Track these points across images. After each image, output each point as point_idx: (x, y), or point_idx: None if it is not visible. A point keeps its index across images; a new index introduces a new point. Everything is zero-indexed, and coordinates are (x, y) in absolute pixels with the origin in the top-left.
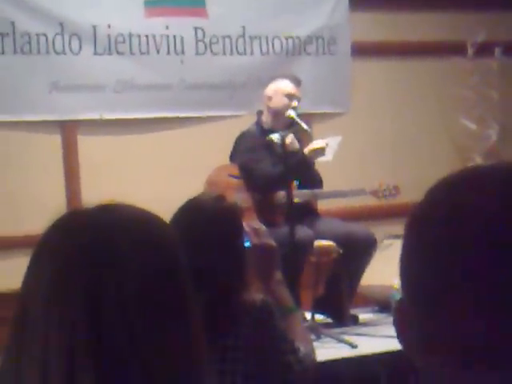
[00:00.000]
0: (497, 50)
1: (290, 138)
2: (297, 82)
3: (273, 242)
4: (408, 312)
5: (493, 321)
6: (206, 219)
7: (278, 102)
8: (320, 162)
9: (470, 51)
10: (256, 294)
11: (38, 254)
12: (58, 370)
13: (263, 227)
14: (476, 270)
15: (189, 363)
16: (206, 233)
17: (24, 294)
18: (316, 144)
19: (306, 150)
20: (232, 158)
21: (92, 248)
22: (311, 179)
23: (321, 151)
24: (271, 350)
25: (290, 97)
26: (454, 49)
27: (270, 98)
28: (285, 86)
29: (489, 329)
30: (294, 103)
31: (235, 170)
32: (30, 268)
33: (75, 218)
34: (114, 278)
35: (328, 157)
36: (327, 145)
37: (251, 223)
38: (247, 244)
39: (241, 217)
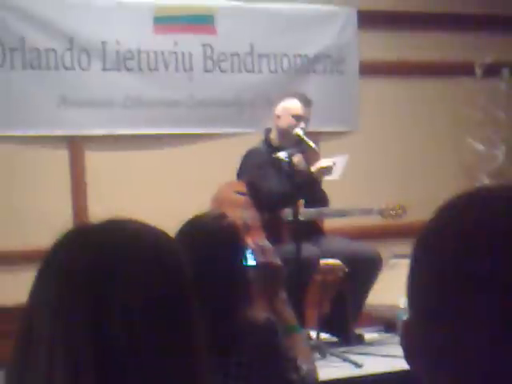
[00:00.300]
0: (504, 71)
1: (298, 157)
2: (306, 102)
3: (279, 261)
4: (415, 331)
5: (497, 339)
6: (205, 238)
7: (286, 122)
8: (327, 181)
9: (478, 72)
10: (260, 312)
11: (43, 270)
12: (64, 374)
13: (270, 246)
14: (484, 298)
15: (192, 380)
16: (205, 251)
17: (29, 309)
18: (323, 163)
19: (313, 169)
20: (239, 175)
21: (97, 265)
22: (318, 198)
23: (328, 170)
24: (274, 367)
25: (298, 118)
26: (462, 69)
27: (278, 117)
28: (293, 106)
29: (493, 346)
30: (301, 124)
31: (242, 187)
32: (35, 284)
33: (81, 234)
34: (119, 297)
35: (335, 176)
36: (334, 164)
37: (258, 241)
38: (253, 262)
39: (241, 235)
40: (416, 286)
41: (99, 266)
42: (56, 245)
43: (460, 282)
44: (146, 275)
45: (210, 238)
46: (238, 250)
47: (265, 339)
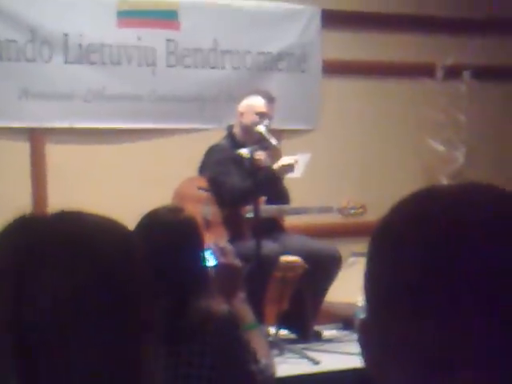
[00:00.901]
0: (465, 74)
1: (260, 155)
2: (270, 99)
3: (239, 262)
4: (371, 329)
5: (455, 332)
6: (163, 230)
7: (249, 119)
8: (289, 179)
9: (439, 73)
10: (221, 305)
11: None
12: None
13: (229, 247)
14: (434, 279)
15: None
16: (163, 243)
17: None
18: (285, 161)
19: (275, 166)
20: (201, 170)
21: (22, 249)
22: (279, 195)
23: (290, 168)
24: (235, 358)
25: (262, 115)
26: (423, 70)
27: (241, 114)
28: (257, 103)
29: (451, 340)
30: (264, 121)
31: (204, 183)
32: None
33: (17, 223)
34: (44, 283)
35: (297, 173)
36: (296, 161)
37: (218, 242)
38: (213, 262)
39: (199, 228)
40: (371, 283)
41: (24, 250)
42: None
43: (414, 279)
44: (77, 261)
45: (167, 230)
46: (196, 241)
47: (226, 330)
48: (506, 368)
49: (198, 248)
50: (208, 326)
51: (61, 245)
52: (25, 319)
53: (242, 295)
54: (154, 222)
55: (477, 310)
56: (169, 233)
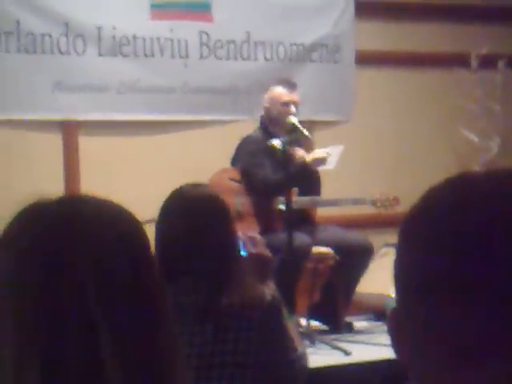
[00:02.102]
0: (500, 63)
1: (298, 150)
2: (291, 86)
3: (268, 252)
4: (401, 318)
5: (483, 320)
6: (194, 207)
7: (276, 111)
8: (321, 171)
9: (474, 63)
10: (266, 289)
11: None
12: (9, 356)
13: (259, 237)
14: (468, 270)
15: (158, 357)
16: (193, 219)
17: None
18: (318, 153)
19: (308, 159)
20: (233, 162)
21: (48, 238)
22: (311, 187)
23: (322, 160)
24: (278, 345)
25: (287, 104)
26: (457, 60)
27: (268, 109)
28: (280, 93)
29: (479, 328)
30: (292, 109)
31: (236, 174)
32: None
33: (34, 209)
34: (72, 272)
35: (330, 166)
36: (329, 154)
37: (248, 232)
38: (243, 253)
39: (223, 202)
40: (402, 272)
41: (51, 241)
42: (10, 222)
43: (446, 268)
44: (102, 251)
45: (195, 204)
46: (225, 215)
47: (272, 316)
48: None
49: (228, 222)
50: (254, 311)
51: (79, 232)
52: (55, 307)
53: (271, 285)
54: (181, 199)
55: (499, 308)
56: (197, 207)
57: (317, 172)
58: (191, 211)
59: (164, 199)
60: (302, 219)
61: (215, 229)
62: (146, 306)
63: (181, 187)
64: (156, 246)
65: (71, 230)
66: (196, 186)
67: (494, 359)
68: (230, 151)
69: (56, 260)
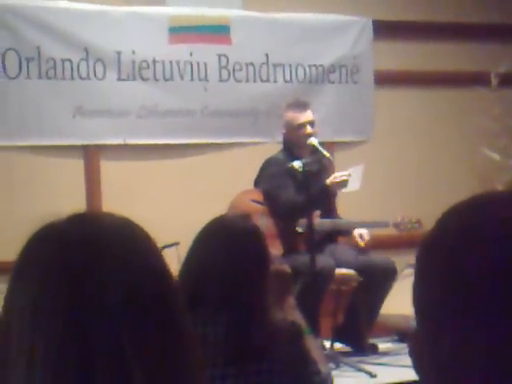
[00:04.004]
0: None
1: (329, 178)
2: (303, 107)
3: (286, 268)
4: (422, 341)
5: (499, 349)
6: (236, 238)
7: (293, 135)
8: (346, 192)
9: (494, 82)
10: (281, 316)
11: (16, 272)
12: (43, 374)
13: (276, 253)
14: (483, 298)
15: (181, 373)
16: (237, 250)
17: (7, 308)
18: (338, 177)
19: (328, 181)
20: (257, 183)
21: (72, 261)
22: (332, 210)
23: (343, 183)
24: (299, 372)
25: (302, 125)
26: (477, 79)
27: (285, 134)
28: (292, 117)
29: (492, 355)
30: (308, 129)
31: (258, 196)
32: (11, 283)
33: (53, 230)
34: (96, 289)
35: (355, 186)
36: (350, 175)
37: None
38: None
39: (264, 237)
40: (419, 297)
41: (75, 262)
42: (27, 243)
43: (462, 296)
44: (124, 270)
45: (243, 236)
46: (264, 253)
47: (293, 344)
48: None
49: (265, 258)
50: (275, 343)
51: (100, 249)
52: (83, 330)
53: (292, 301)
54: (226, 228)
55: None
56: (245, 239)
57: (336, 195)
58: (232, 241)
59: (187, 221)
60: (325, 241)
61: (253, 265)
62: (169, 327)
63: (223, 216)
64: (184, 270)
65: (87, 247)
66: (240, 216)
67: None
68: (250, 173)
69: (82, 282)
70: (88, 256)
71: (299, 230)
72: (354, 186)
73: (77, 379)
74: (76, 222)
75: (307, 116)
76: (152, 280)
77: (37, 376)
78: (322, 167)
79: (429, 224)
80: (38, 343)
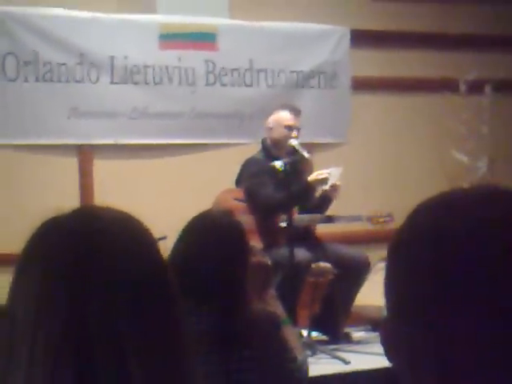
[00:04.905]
0: (487, 88)
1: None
2: (296, 112)
3: (267, 260)
4: (392, 330)
5: (470, 337)
6: (219, 233)
7: (279, 133)
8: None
9: (462, 88)
10: (262, 306)
11: (20, 264)
12: (43, 370)
13: (257, 246)
14: (453, 290)
15: (177, 368)
16: (220, 244)
17: (11, 303)
18: (319, 174)
19: (309, 179)
20: (238, 182)
21: (73, 253)
22: (314, 205)
23: (324, 181)
24: (277, 359)
25: (290, 128)
26: (446, 85)
27: (270, 129)
28: (284, 117)
29: (468, 342)
30: (294, 134)
31: (240, 194)
32: (14, 277)
33: (53, 225)
34: (97, 280)
35: (328, 187)
36: (330, 174)
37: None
38: None
39: (245, 232)
40: (391, 287)
41: (76, 255)
42: (31, 238)
43: (432, 281)
44: (125, 260)
45: (225, 232)
46: (245, 247)
47: (270, 332)
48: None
49: (246, 253)
50: (255, 332)
51: (101, 242)
52: (84, 322)
53: (272, 292)
54: (210, 223)
55: (486, 323)
56: (226, 234)
57: (315, 192)
58: (215, 235)
59: (175, 216)
60: (304, 236)
61: (235, 258)
62: (164, 314)
63: (207, 211)
64: (169, 262)
65: (90, 241)
66: (223, 212)
67: (481, 373)
68: (235, 172)
69: (84, 276)
70: (89, 248)
71: (283, 224)
72: (327, 185)
73: (78, 365)
74: (77, 216)
75: (296, 121)
76: (151, 269)
77: (37, 375)
78: (302, 167)
79: (401, 218)
80: (39, 341)
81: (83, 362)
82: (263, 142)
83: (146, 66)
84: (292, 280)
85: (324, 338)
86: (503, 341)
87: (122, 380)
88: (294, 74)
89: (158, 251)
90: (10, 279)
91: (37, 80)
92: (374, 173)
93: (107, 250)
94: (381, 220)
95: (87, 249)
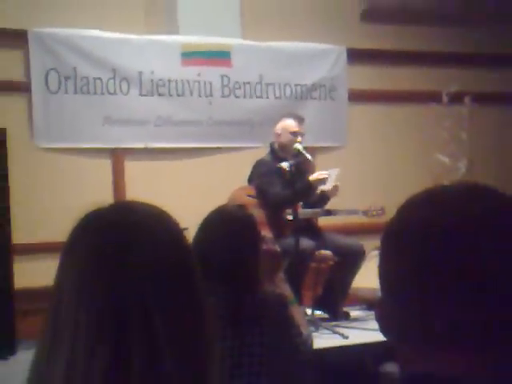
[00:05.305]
0: (466, 99)
1: (312, 176)
2: (300, 120)
3: (277, 248)
4: (386, 308)
5: (451, 311)
6: (234, 224)
7: (285, 138)
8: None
9: (445, 99)
10: (271, 288)
11: (66, 250)
12: (84, 346)
13: (269, 235)
14: (436, 270)
15: (201, 343)
16: (235, 233)
17: (58, 284)
18: (320, 174)
19: (311, 178)
20: (250, 180)
21: (110, 240)
22: (313, 201)
23: (323, 181)
24: (285, 334)
25: (295, 134)
26: (431, 97)
27: (278, 135)
28: (290, 124)
29: (446, 314)
30: (298, 139)
31: (252, 191)
32: (61, 261)
33: (94, 217)
34: (132, 264)
35: (328, 186)
36: (329, 175)
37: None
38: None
39: (257, 223)
40: (384, 269)
41: (113, 241)
42: (73, 229)
43: (416, 265)
44: (155, 246)
45: (236, 224)
46: (257, 236)
47: (279, 311)
48: (493, 349)
49: (258, 240)
50: (265, 311)
51: (137, 233)
52: (121, 301)
53: (281, 275)
54: (226, 215)
55: (464, 300)
56: (242, 225)
57: (316, 189)
58: (231, 226)
59: (195, 210)
60: (307, 227)
61: (248, 246)
62: (191, 295)
63: (224, 206)
64: (192, 249)
65: (126, 230)
66: (237, 207)
67: (462, 342)
68: (247, 172)
69: (120, 263)
70: (124, 236)
71: (289, 217)
72: (328, 185)
73: (114, 341)
74: (115, 208)
75: (300, 128)
76: (179, 255)
77: (79, 348)
78: (305, 167)
79: (391, 211)
80: (81, 317)
81: (119, 335)
82: (271, 145)
83: (169, 80)
84: (298, 265)
85: (325, 315)
86: (474, 316)
87: (153, 353)
88: (298, 87)
89: (184, 240)
90: (56, 263)
91: (75, 92)
92: (368, 173)
93: (142, 238)
94: (374, 213)
95: (124, 237)
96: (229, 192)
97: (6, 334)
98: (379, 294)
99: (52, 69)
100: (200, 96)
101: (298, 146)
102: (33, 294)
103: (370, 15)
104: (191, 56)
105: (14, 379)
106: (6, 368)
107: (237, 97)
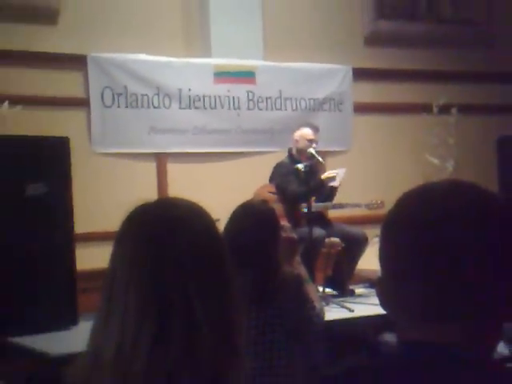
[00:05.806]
0: (453, 110)
1: (324, 175)
2: (316, 130)
3: (295, 235)
4: (385, 286)
5: (428, 288)
6: (258, 216)
7: (302, 144)
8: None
9: (435, 110)
10: (290, 269)
11: (118, 238)
12: (133, 319)
13: (288, 224)
14: (423, 255)
15: (231, 315)
16: (259, 224)
17: (112, 266)
18: (330, 173)
19: (323, 177)
20: (271, 180)
21: (154, 230)
22: (325, 196)
23: (333, 179)
24: (301, 307)
25: (311, 141)
26: (423, 108)
27: (296, 141)
28: (307, 133)
29: (435, 293)
30: (312, 145)
31: (273, 189)
32: (114, 247)
33: (142, 210)
34: (172, 251)
35: (336, 183)
36: (337, 174)
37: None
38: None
39: (277, 214)
40: (382, 256)
41: (157, 232)
42: (125, 220)
43: (408, 250)
44: (194, 236)
45: (260, 216)
46: (278, 226)
47: (296, 288)
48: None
49: (278, 229)
50: (285, 288)
51: (177, 224)
52: (162, 277)
53: (298, 259)
54: (250, 209)
55: (446, 274)
56: (265, 216)
57: (332, 186)
58: (256, 218)
59: (225, 204)
60: (319, 218)
61: (270, 233)
62: (224, 279)
63: (249, 201)
64: (223, 237)
65: (170, 222)
66: (261, 201)
67: (452, 314)
68: (268, 173)
69: (163, 250)
70: (166, 226)
71: (304, 210)
72: (336, 183)
73: (159, 312)
74: (160, 203)
75: (316, 136)
76: (214, 243)
77: (129, 321)
78: (317, 168)
79: (390, 204)
80: (130, 293)
81: (162, 311)
82: (289, 150)
83: (204, 96)
84: (311, 251)
85: (334, 292)
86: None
87: (191, 325)
88: (312, 100)
89: (216, 229)
90: (110, 249)
91: (126, 106)
92: (369, 172)
93: (181, 228)
94: (375, 206)
95: (166, 227)
96: (253, 189)
97: (70, 308)
98: (379, 274)
99: (107, 87)
100: (229, 109)
101: (312, 150)
102: (92, 275)
103: (372, 40)
104: (222, 75)
105: (77, 345)
106: (70, 336)
107: (260, 109)
